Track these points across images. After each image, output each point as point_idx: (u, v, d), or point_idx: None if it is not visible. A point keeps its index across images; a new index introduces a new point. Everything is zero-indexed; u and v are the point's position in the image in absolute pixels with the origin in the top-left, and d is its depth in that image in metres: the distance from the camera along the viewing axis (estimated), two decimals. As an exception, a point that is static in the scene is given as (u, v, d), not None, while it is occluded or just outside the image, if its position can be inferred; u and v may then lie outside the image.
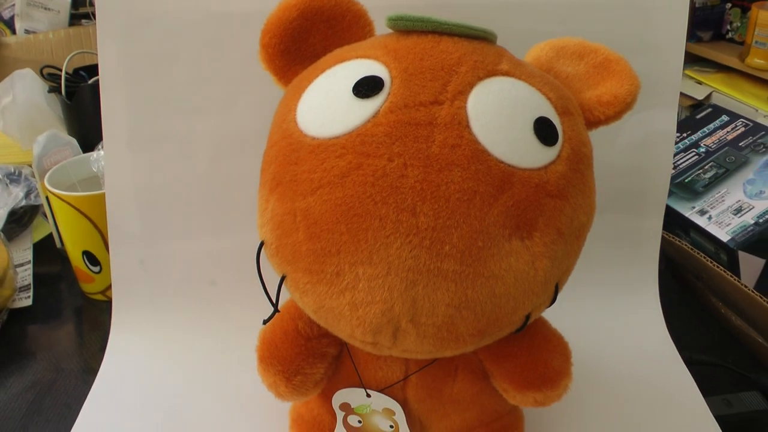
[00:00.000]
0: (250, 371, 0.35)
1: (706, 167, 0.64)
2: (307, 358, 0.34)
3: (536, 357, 0.33)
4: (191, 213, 0.51)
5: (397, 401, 0.35)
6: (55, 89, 0.78)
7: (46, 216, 0.64)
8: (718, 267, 0.51)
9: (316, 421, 0.39)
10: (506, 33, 0.33)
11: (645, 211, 0.53)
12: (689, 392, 0.46)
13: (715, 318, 0.55)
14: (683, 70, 0.50)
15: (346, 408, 0.36)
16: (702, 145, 0.66)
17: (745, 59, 1.41)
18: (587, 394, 0.44)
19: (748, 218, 0.57)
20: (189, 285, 0.52)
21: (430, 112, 0.27)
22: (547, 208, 0.27)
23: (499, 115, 0.27)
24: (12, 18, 1.23)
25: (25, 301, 0.57)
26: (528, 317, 0.28)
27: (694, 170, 0.64)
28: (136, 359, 0.49)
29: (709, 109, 0.72)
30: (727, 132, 0.67)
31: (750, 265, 0.55)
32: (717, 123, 0.69)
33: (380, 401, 0.35)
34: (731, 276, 0.50)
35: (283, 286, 0.29)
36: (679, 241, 0.56)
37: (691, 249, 0.54)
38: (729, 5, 1.56)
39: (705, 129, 0.69)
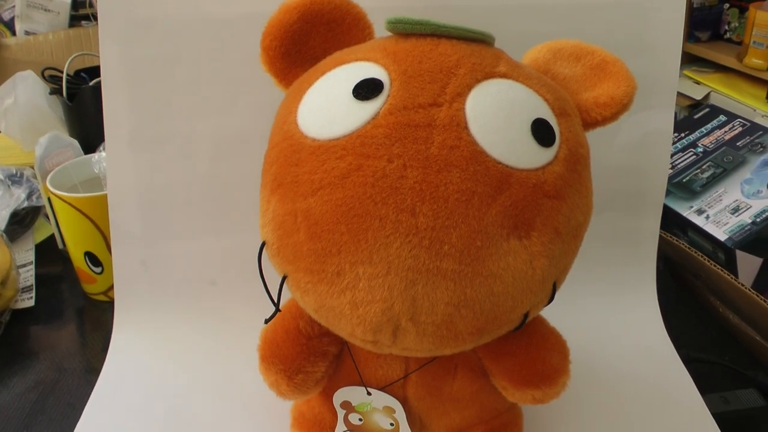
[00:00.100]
0: (252, 370, 0.35)
1: (704, 167, 0.64)
2: (308, 356, 0.34)
3: (534, 355, 0.33)
4: (192, 213, 0.51)
5: (397, 399, 0.35)
6: (56, 91, 0.78)
7: (47, 217, 0.64)
8: (715, 266, 0.51)
9: (318, 419, 0.39)
10: (504, 35, 0.33)
11: (643, 210, 0.53)
12: (687, 390, 0.46)
13: (713, 316, 0.55)
14: (681, 70, 0.51)
15: (347, 406, 0.37)
16: (700, 144, 0.67)
17: (743, 59, 1.42)
18: (585, 391, 0.44)
19: (746, 217, 0.57)
20: (191, 285, 0.52)
21: (429, 114, 0.27)
22: (545, 208, 0.27)
23: (497, 117, 0.27)
24: (12, 19, 1.23)
25: (28, 301, 0.57)
26: (526, 315, 0.29)
27: (691, 170, 0.64)
28: (139, 359, 0.49)
29: (707, 109, 0.72)
30: (725, 132, 0.67)
31: (747, 264, 0.56)
32: (715, 123, 0.69)
33: (381, 399, 0.35)
34: (729, 275, 0.50)
35: (284, 285, 0.30)
36: (677, 241, 0.56)
37: (689, 248, 0.54)
38: (727, 5, 1.56)
39: (703, 129, 0.69)
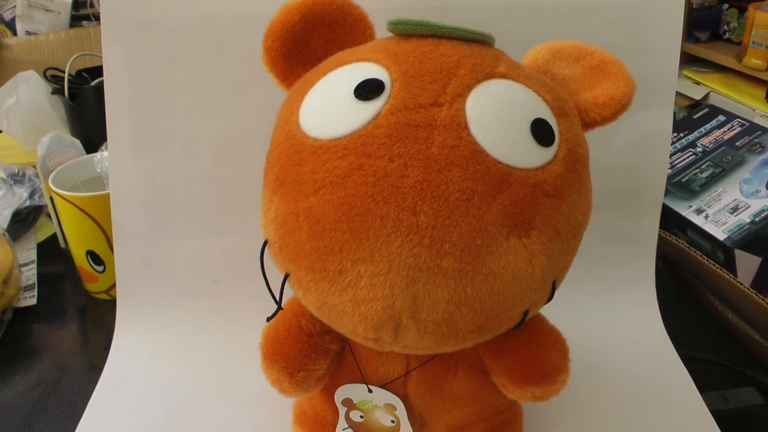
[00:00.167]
0: (254, 368, 0.35)
1: (703, 167, 0.64)
2: (310, 354, 0.34)
3: (534, 353, 0.34)
4: (194, 213, 0.51)
5: (398, 396, 0.35)
6: (58, 91, 0.78)
7: (49, 216, 0.65)
8: (714, 265, 0.52)
9: (319, 416, 0.39)
10: (504, 36, 0.34)
11: (642, 210, 0.53)
12: (686, 388, 0.46)
13: (712, 315, 0.56)
14: (681, 70, 0.51)
15: (348, 403, 0.37)
16: (699, 144, 0.67)
17: (742, 59, 1.42)
18: (585, 390, 0.45)
19: (745, 217, 0.57)
20: (192, 284, 0.53)
21: (429, 114, 0.27)
22: (544, 208, 0.28)
23: (497, 117, 0.28)
24: (13, 19, 1.24)
25: (30, 300, 0.57)
26: (526, 313, 0.29)
27: (691, 170, 0.65)
28: (140, 357, 0.49)
29: (706, 109, 0.72)
30: (724, 132, 0.67)
31: (746, 264, 0.56)
32: (714, 123, 0.69)
33: (382, 397, 0.36)
34: (728, 274, 0.50)
35: (286, 284, 0.30)
36: (676, 240, 0.56)
37: (688, 248, 0.54)
38: (726, 6, 1.56)
39: (702, 129, 0.69)
